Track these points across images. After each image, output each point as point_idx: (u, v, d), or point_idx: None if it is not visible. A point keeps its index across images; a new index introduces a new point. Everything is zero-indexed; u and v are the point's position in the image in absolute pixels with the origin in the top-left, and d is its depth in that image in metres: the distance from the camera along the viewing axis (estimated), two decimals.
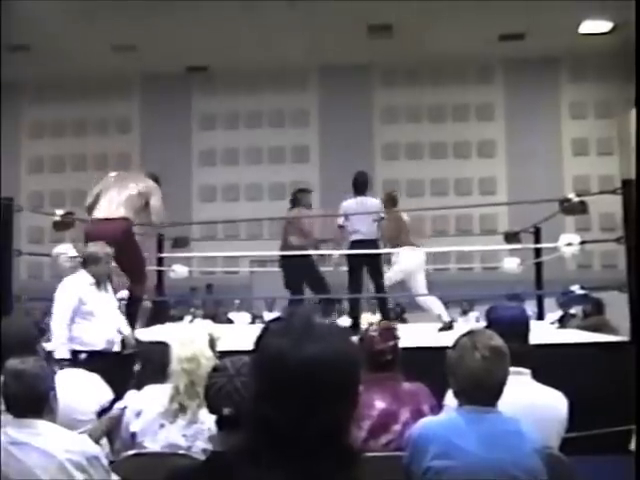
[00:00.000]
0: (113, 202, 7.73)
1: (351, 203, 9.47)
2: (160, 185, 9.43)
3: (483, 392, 3.17)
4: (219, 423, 3.11)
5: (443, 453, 3.07)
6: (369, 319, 8.63)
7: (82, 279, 6.59)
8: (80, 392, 4.37)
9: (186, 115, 20.08)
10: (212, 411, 3.19)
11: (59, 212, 9.25)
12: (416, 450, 3.18)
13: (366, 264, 9.21)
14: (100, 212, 7.76)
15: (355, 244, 9.24)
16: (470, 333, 3.32)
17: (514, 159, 18.94)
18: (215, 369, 3.31)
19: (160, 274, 11.61)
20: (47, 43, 16.89)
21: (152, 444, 4.10)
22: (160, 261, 11.58)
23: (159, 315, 10.90)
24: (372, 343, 4.25)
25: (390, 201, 9.94)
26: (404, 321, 13.59)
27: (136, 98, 20.36)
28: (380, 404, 4.09)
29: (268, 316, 13.94)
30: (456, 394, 3.29)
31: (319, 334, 1.74)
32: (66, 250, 9.05)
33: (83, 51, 17.51)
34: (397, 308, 15.28)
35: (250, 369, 1.80)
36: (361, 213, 9.29)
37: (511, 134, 19.09)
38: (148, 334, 7.54)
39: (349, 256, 9.29)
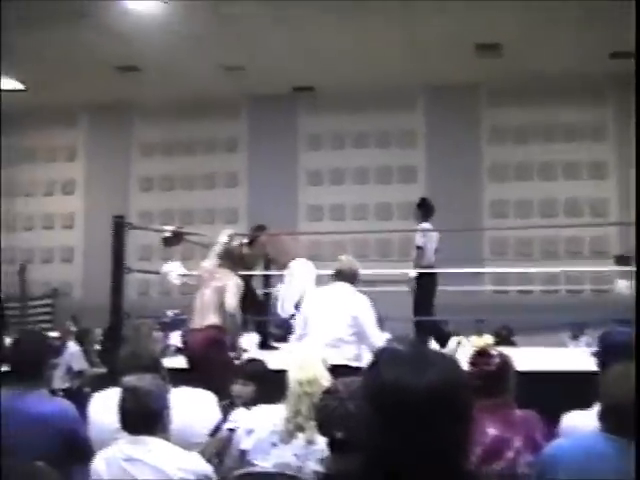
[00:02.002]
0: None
1: (427, 226, 9.76)
2: (265, 231, 9.66)
3: (628, 424, 3.03)
4: (331, 446, 3.08)
5: (573, 476, 2.98)
6: (477, 342, 8.51)
7: None
8: (195, 413, 4.39)
9: (292, 135, 20.20)
10: (324, 433, 3.16)
11: (168, 228, 9.39)
12: (546, 469, 3.10)
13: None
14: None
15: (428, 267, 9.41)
16: (630, 363, 3.21)
17: (624, 180, 18.48)
18: (327, 391, 3.29)
19: None
20: (157, 64, 17.22)
21: (263, 462, 4.11)
22: None
23: None
24: (485, 368, 4.15)
25: None
26: (512, 344, 13.31)
27: (244, 118, 20.58)
28: (492, 431, 4.00)
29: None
30: (600, 419, 3.18)
31: (431, 362, 1.75)
32: (175, 268, 9.17)
33: (192, 72, 17.79)
34: (504, 331, 15.04)
35: (364, 396, 1.78)
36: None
37: (622, 154, 18.64)
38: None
39: (429, 277, 9.40)
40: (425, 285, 9.49)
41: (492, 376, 4.11)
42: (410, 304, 9.81)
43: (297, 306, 7.53)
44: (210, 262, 7.78)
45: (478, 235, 18.29)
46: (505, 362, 4.18)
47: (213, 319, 7.29)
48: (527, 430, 4.03)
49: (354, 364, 6.12)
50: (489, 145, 19.33)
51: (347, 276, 6.64)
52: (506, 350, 4.53)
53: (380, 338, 6.43)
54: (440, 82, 18.41)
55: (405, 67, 17.51)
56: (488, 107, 19.36)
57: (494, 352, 4.30)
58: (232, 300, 7.22)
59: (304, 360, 4.29)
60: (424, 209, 10.05)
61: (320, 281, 8.36)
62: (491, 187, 19.06)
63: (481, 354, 4.27)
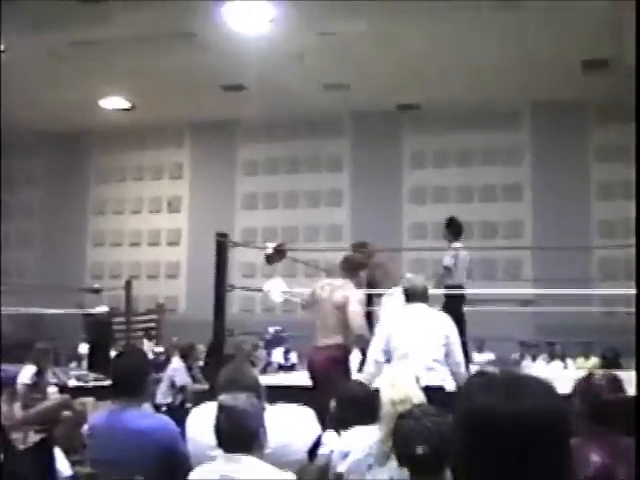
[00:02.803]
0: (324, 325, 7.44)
1: (457, 246, 9.63)
2: (369, 249, 9.54)
3: None
4: (412, 467, 3.08)
5: None
6: (584, 364, 8.29)
7: None
8: (293, 430, 4.34)
9: (396, 153, 20.17)
10: (404, 454, 3.14)
11: (271, 245, 9.43)
12: None
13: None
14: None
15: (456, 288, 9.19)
16: None
17: None
18: (401, 416, 3.28)
19: None
20: (261, 82, 17.40)
21: None
22: None
23: None
24: (598, 394, 3.98)
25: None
26: (619, 366, 12.89)
27: (347, 136, 20.65)
28: (597, 459, 3.84)
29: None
30: None
31: (525, 387, 1.71)
32: (277, 285, 9.18)
33: (296, 90, 17.91)
34: (610, 353, 14.64)
35: (457, 424, 1.74)
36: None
37: None
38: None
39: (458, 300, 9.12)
40: (454, 307, 9.19)
41: (605, 403, 3.95)
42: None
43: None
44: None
45: (587, 255, 17.93)
46: (614, 386, 4.02)
47: (336, 338, 7.15)
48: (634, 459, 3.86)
49: (448, 386, 6.00)
50: (596, 163, 18.94)
51: (423, 295, 6.51)
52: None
53: (462, 359, 6.32)
54: (547, 99, 18.13)
55: (510, 85, 17.32)
56: (595, 125, 19.00)
57: (606, 376, 4.13)
58: (358, 319, 7.07)
59: (397, 379, 4.22)
60: (453, 229, 9.86)
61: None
62: (599, 206, 18.66)
63: (588, 377, 4.12)
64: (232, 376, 4.26)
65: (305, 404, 4.74)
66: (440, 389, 5.76)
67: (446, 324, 6.34)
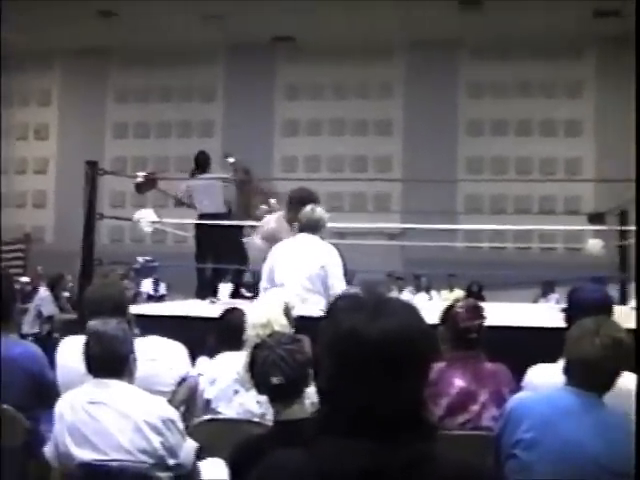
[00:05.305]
0: None
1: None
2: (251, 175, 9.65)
3: (593, 378, 3.11)
4: (271, 395, 3.16)
5: (537, 428, 3.02)
6: (449, 296, 8.56)
7: None
8: (163, 362, 4.36)
9: (270, 85, 20.08)
10: (261, 384, 3.22)
11: (141, 174, 9.35)
12: (510, 421, 3.14)
13: None
14: None
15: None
16: (597, 318, 3.25)
17: (601, 139, 18.49)
18: (256, 346, 3.36)
19: None
20: (136, 10, 17.01)
21: (227, 410, 4.12)
22: None
23: None
24: (458, 320, 4.16)
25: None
26: (483, 299, 13.39)
27: (221, 67, 20.43)
28: (460, 383, 4.02)
29: None
30: (566, 373, 3.21)
31: (392, 309, 1.73)
32: (147, 215, 9.13)
33: (171, 19, 17.60)
34: (475, 286, 15.15)
35: (323, 346, 1.76)
36: None
37: (599, 113, 18.64)
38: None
39: None
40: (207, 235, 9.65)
41: (463, 328, 4.13)
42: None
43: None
44: None
45: (452, 191, 18.31)
46: (473, 314, 4.19)
47: None
48: (495, 384, 4.05)
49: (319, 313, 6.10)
50: (466, 100, 19.29)
51: (312, 226, 6.57)
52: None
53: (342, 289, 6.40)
54: (420, 36, 18.28)
55: (386, 20, 17.37)
56: (467, 62, 19.29)
57: (467, 304, 4.30)
58: None
59: (260, 305, 4.29)
60: (197, 162, 10.21)
61: None
62: (467, 142, 19.06)
63: (451, 307, 4.29)
64: (97, 302, 4.24)
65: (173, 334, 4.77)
66: (313, 318, 5.87)
67: (325, 254, 6.40)
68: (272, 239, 7.22)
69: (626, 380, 3.30)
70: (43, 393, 4.18)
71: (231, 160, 10.76)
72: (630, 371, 3.35)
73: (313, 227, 6.54)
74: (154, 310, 7.46)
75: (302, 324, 4.33)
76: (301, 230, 6.60)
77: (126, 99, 20.77)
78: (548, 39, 17.89)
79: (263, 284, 6.45)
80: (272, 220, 7.74)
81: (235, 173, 10.56)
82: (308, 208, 6.70)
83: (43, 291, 12.18)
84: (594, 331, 3.12)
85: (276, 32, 18.91)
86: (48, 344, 5.12)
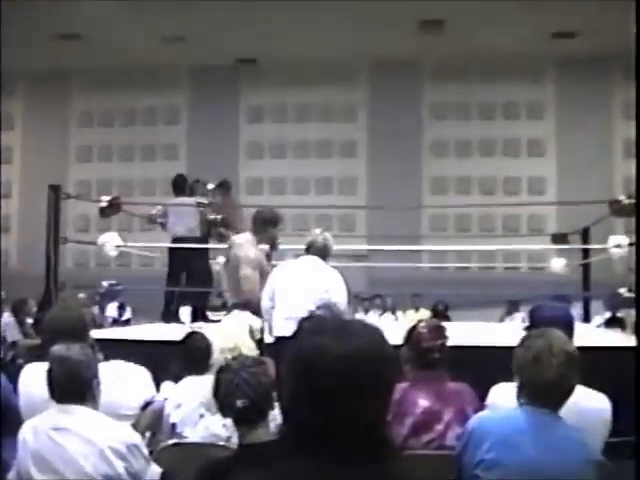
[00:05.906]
0: None
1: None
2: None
3: (551, 396, 3.14)
4: (235, 418, 3.17)
5: (498, 448, 3.05)
6: (414, 316, 8.59)
7: None
8: (127, 386, 4.35)
9: (234, 107, 20.06)
10: (226, 406, 3.23)
11: (105, 198, 9.36)
12: (471, 442, 3.16)
13: None
14: None
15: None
16: (545, 335, 3.26)
17: (564, 159, 18.67)
18: (220, 370, 3.37)
19: None
20: (97, 33, 16.97)
21: (192, 434, 4.12)
22: None
23: None
24: (420, 340, 4.18)
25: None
26: (448, 319, 13.45)
27: (185, 89, 20.39)
28: (424, 402, 4.05)
29: None
30: (520, 392, 3.24)
31: (354, 330, 1.76)
32: (111, 239, 9.12)
33: (133, 41, 17.57)
34: (440, 306, 15.19)
35: (287, 366, 1.78)
36: None
37: (561, 134, 18.83)
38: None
39: None
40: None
41: (425, 349, 4.15)
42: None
43: None
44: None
45: (417, 212, 18.38)
46: (436, 334, 4.22)
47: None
48: (458, 403, 4.08)
49: None
50: (430, 121, 19.40)
51: (319, 251, 6.61)
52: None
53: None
54: (382, 57, 18.39)
55: (348, 42, 17.46)
56: (429, 83, 19.41)
57: (429, 324, 4.33)
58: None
59: (226, 328, 4.30)
60: (175, 184, 10.43)
61: None
62: (432, 163, 19.16)
63: (414, 328, 4.31)
64: (56, 326, 4.22)
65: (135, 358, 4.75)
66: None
67: (329, 279, 6.42)
68: (258, 266, 7.19)
69: (577, 393, 3.35)
70: (6, 420, 4.15)
71: (211, 186, 10.87)
72: (580, 384, 3.40)
73: (320, 251, 6.59)
74: (118, 334, 7.43)
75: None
76: (307, 253, 6.64)
77: (89, 122, 20.66)
78: (508, 60, 18.06)
79: (265, 304, 6.45)
80: (247, 245, 7.55)
81: (214, 197, 10.67)
82: (316, 232, 6.78)
83: (7, 316, 12.05)
84: (548, 351, 3.15)
85: (238, 54, 18.93)
86: (12, 370, 5.07)
